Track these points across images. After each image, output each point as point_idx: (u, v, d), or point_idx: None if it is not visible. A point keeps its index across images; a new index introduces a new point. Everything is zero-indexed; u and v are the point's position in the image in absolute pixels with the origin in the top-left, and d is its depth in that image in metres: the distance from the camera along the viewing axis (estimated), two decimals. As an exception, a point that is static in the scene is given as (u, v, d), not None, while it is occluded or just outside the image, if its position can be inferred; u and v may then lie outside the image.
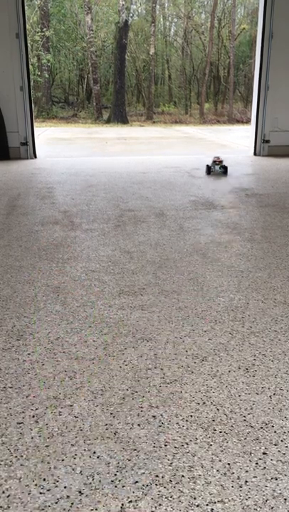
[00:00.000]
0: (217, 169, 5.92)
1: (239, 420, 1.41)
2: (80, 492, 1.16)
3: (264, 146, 7.71)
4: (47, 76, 22.07)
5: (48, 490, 1.16)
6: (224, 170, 5.90)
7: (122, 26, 19.42)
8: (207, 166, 5.96)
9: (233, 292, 2.36)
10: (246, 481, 1.19)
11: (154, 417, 1.43)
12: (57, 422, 1.40)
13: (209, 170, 5.89)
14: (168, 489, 1.16)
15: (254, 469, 1.23)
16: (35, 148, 7.39)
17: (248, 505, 1.12)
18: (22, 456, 1.28)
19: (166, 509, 1.11)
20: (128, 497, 1.14)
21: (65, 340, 1.89)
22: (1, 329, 1.98)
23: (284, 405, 1.48)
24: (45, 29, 20.90)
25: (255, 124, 7.71)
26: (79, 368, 1.68)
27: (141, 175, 5.83)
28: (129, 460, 1.26)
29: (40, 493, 1.15)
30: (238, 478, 1.20)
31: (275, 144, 7.71)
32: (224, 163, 6.02)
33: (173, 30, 29.20)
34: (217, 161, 5.98)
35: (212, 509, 1.11)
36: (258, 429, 1.37)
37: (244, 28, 25.70)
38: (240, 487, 1.17)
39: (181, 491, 1.16)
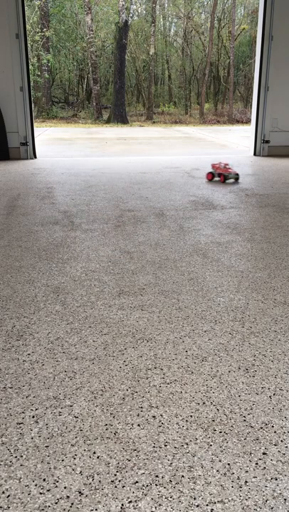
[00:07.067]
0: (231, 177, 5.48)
1: (239, 420, 1.41)
2: (80, 492, 1.16)
3: (264, 147, 7.72)
4: (47, 76, 22.07)
5: (48, 490, 1.16)
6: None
7: (122, 26, 19.42)
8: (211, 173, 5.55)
9: (233, 292, 2.36)
10: (246, 481, 1.19)
11: (154, 417, 1.43)
12: (57, 422, 1.40)
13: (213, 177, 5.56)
14: (168, 489, 1.16)
15: (254, 469, 1.23)
16: (35, 149, 7.39)
17: (248, 506, 1.12)
18: (22, 456, 1.28)
19: (166, 509, 1.11)
20: (128, 497, 1.14)
21: (65, 340, 1.89)
22: (1, 329, 1.98)
23: (284, 405, 1.48)
24: (45, 29, 20.90)
25: (255, 125, 7.71)
26: (79, 368, 1.69)
27: (141, 175, 5.83)
28: (129, 460, 1.26)
29: (40, 493, 1.15)
30: (238, 478, 1.20)
31: (275, 144, 7.71)
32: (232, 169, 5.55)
33: (173, 31, 29.24)
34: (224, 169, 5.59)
35: (212, 509, 1.11)
36: (258, 429, 1.37)
37: (244, 29, 25.71)
38: (240, 487, 1.17)
39: (181, 491, 1.16)
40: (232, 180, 5.44)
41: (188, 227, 3.52)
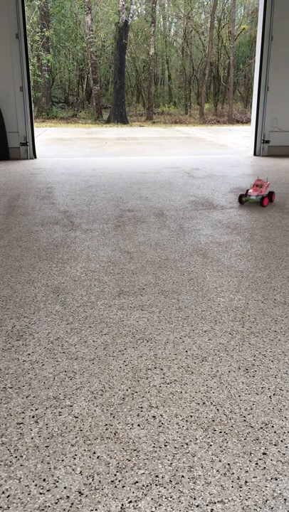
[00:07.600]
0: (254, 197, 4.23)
1: (239, 420, 1.41)
2: (80, 492, 1.16)
3: (264, 147, 7.72)
4: (47, 76, 22.06)
5: (48, 490, 1.16)
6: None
7: (122, 26, 19.42)
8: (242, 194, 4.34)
9: (233, 292, 2.36)
10: (246, 481, 1.19)
11: (154, 417, 1.43)
12: (57, 422, 1.40)
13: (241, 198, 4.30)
14: (168, 489, 1.16)
15: (254, 469, 1.23)
16: (35, 149, 7.39)
17: (248, 506, 1.12)
18: (22, 456, 1.28)
19: (166, 509, 1.11)
20: (128, 497, 1.14)
21: (65, 340, 1.89)
22: (1, 329, 1.98)
23: (284, 405, 1.48)
24: (45, 29, 20.89)
25: (255, 125, 7.72)
26: (79, 368, 1.68)
27: (141, 175, 5.83)
28: (129, 460, 1.26)
29: (40, 493, 1.15)
30: (238, 478, 1.20)
31: (275, 144, 7.71)
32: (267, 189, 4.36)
33: (173, 31, 29.23)
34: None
35: (212, 509, 1.11)
36: (258, 430, 1.37)
37: (244, 29, 25.70)
38: (240, 487, 1.17)
39: (181, 491, 1.16)
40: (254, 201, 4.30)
41: (188, 227, 3.52)
